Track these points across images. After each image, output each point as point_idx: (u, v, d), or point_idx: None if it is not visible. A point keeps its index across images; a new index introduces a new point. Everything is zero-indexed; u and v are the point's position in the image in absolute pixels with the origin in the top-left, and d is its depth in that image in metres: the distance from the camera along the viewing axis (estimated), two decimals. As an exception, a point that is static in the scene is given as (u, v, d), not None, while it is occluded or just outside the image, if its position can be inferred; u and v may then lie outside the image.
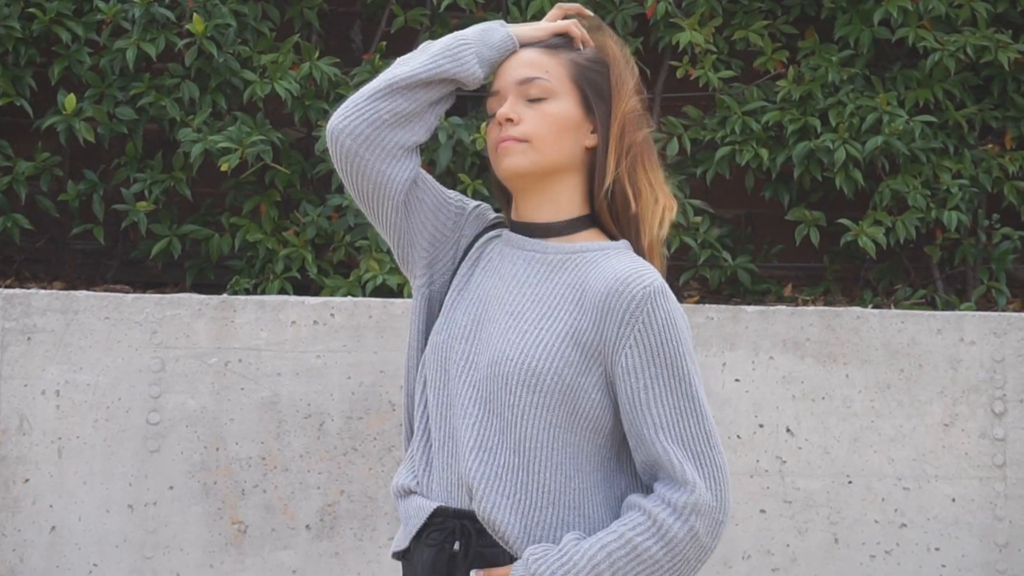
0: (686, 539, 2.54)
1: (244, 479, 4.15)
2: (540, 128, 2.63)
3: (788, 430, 4.24)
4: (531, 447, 2.60)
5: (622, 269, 2.58)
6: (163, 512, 4.14)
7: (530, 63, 2.65)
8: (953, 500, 4.23)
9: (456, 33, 2.71)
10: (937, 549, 4.22)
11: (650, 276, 2.57)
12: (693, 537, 2.54)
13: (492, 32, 2.71)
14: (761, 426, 4.23)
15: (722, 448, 2.59)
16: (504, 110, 2.64)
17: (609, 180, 2.66)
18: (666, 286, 2.58)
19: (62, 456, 4.14)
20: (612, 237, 2.68)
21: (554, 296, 2.63)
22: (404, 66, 2.69)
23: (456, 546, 2.63)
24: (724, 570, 4.19)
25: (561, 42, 2.69)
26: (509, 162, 2.64)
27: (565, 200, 2.67)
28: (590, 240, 2.65)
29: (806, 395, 4.24)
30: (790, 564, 4.20)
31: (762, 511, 4.21)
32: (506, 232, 2.73)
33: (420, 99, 2.68)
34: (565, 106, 2.64)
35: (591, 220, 2.67)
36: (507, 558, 2.60)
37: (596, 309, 2.58)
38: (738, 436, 4.22)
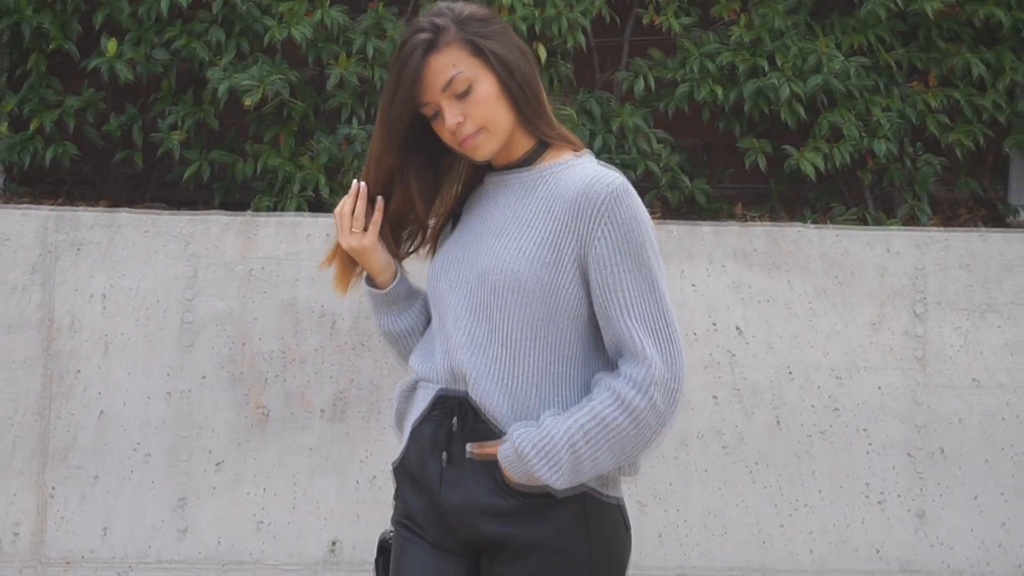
0: (647, 409, 2.57)
1: (266, 370, 4.18)
2: (485, 114, 2.63)
3: (738, 329, 4.27)
4: (516, 341, 2.63)
5: (588, 174, 2.61)
6: (196, 399, 4.17)
7: (441, 68, 2.62)
8: (879, 389, 4.27)
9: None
10: (865, 431, 4.26)
11: (614, 177, 2.60)
12: (652, 407, 2.57)
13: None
14: (714, 325, 4.26)
15: (678, 328, 2.61)
16: (450, 121, 2.62)
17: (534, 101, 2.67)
18: (629, 185, 2.60)
19: (108, 351, 4.17)
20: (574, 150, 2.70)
21: (530, 211, 2.65)
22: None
23: (454, 423, 2.66)
24: (682, 449, 4.22)
25: (434, 37, 2.64)
26: (480, 152, 2.66)
27: (521, 140, 2.69)
28: (555, 160, 2.68)
29: (753, 299, 4.27)
30: (738, 443, 4.24)
31: (714, 398, 4.24)
32: (486, 178, 2.75)
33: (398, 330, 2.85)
34: (486, 83, 2.63)
35: (543, 145, 2.69)
36: (497, 435, 2.63)
37: (569, 212, 2.60)
38: (694, 334, 4.24)
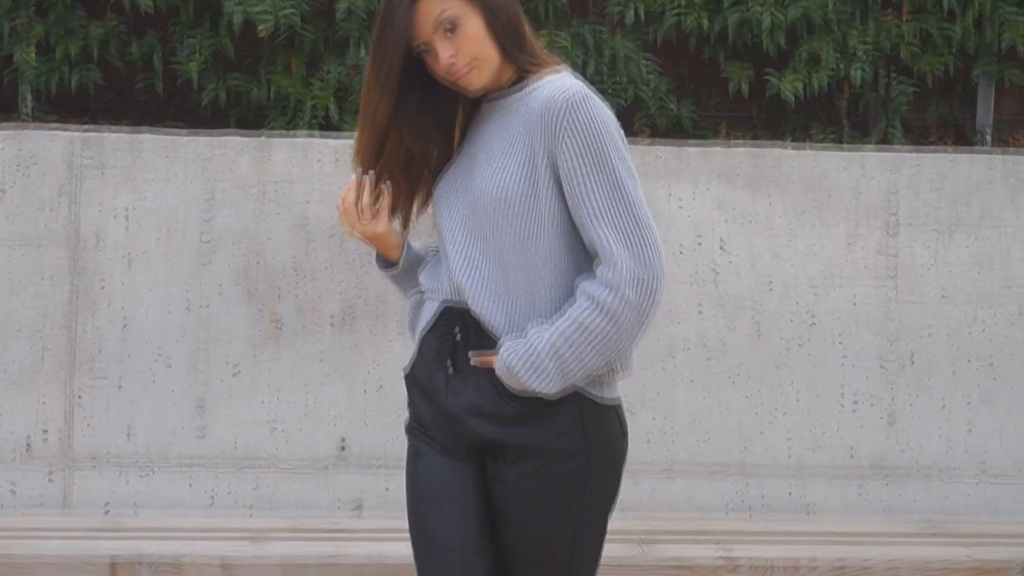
0: (622, 306, 2.56)
1: (280, 285, 4.20)
2: (474, 47, 2.63)
3: (721, 245, 4.28)
4: (507, 256, 2.64)
5: (551, 88, 2.60)
6: (214, 311, 4.20)
7: (430, 11, 2.62)
8: (854, 302, 4.29)
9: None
10: (840, 341, 4.29)
11: (571, 84, 2.59)
12: (627, 303, 2.57)
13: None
14: (699, 242, 4.28)
15: (650, 224, 2.59)
16: (444, 57, 2.62)
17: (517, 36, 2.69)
18: (588, 92, 2.59)
19: (131, 267, 4.20)
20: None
21: (512, 131, 2.66)
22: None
23: (457, 334, 2.68)
24: (668, 359, 4.26)
25: None
26: (474, 84, 2.66)
27: (508, 70, 2.69)
28: (536, 81, 2.67)
29: (736, 218, 4.29)
30: (721, 353, 4.27)
31: (699, 311, 4.27)
32: (481, 107, 2.76)
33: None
34: (473, 21, 2.63)
35: (527, 71, 2.69)
36: (496, 343, 2.64)
37: (538, 127, 2.60)
38: (680, 251, 4.27)
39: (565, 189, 2.60)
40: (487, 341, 2.66)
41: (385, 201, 2.78)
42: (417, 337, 2.78)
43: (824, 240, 4.29)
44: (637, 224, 2.57)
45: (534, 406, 2.64)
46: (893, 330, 4.29)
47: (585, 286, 2.60)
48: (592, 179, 2.57)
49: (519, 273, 2.65)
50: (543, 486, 2.67)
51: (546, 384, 2.61)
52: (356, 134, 2.74)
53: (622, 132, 2.63)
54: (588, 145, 2.57)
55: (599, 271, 2.59)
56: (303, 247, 4.20)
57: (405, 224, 2.83)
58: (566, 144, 2.57)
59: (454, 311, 2.70)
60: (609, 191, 2.58)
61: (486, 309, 2.65)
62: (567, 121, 2.56)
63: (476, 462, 2.73)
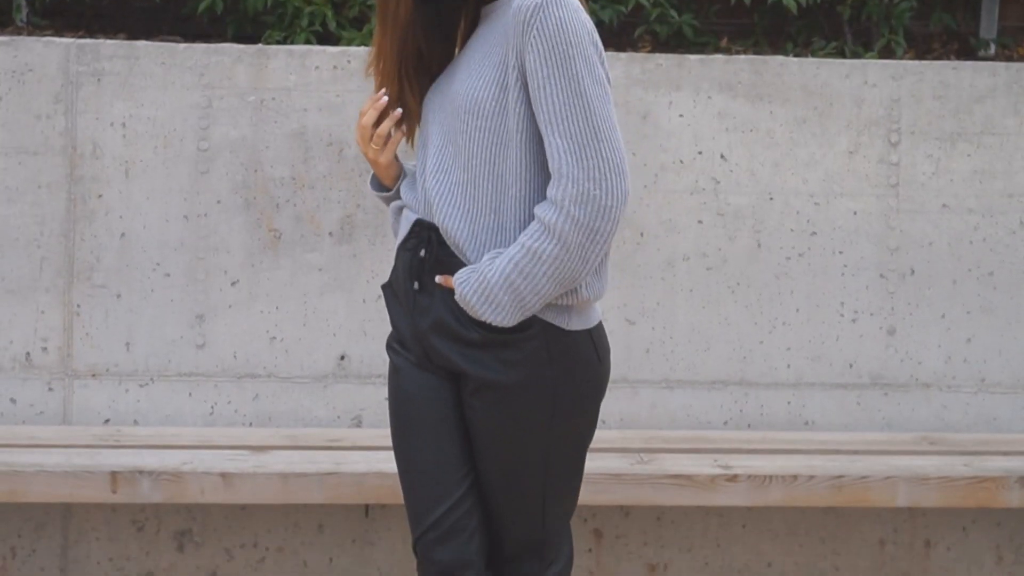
0: (569, 228, 2.47)
1: (278, 195, 4.17)
2: None
3: (722, 156, 4.24)
4: (475, 164, 2.58)
5: None
6: (212, 222, 4.16)
7: None
8: (855, 213, 4.26)
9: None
10: (841, 253, 4.26)
11: None
12: (574, 224, 2.47)
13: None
14: (700, 153, 4.24)
15: (614, 140, 2.48)
16: None
17: None
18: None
19: (128, 176, 4.15)
20: None
21: (492, 38, 2.61)
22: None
23: (423, 253, 2.64)
24: (668, 270, 4.23)
25: None
26: None
27: None
28: None
29: (737, 128, 4.24)
30: (721, 264, 4.24)
31: (700, 222, 4.24)
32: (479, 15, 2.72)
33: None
34: None
35: None
36: (461, 266, 2.60)
37: (511, 29, 2.53)
38: (681, 161, 4.22)
39: (531, 95, 2.51)
40: (451, 260, 2.61)
41: (397, 135, 2.73)
42: (395, 248, 2.75)
43: (825, 150, 4.24)
44: (596, 136, 2.47)
45: (497, 332, 2.58)
46: (894, 242, 4.26)
47: (537, 209, 2.52)
48: (553, 84, 2.47)
49: (487, 183, 2.58)
50: (508, 418, 2.62)
51: (501, 316, 2.54)
52: (373, 40, 2.68)
53: (599, 43, 2.54)
54: (553, 48, 2.47)
55: (549, 190, 2.51)
56: (301, 157, 4.15)
57: (410, 136, 2.78)
58: (532, 46, 2.48)
59: (424, 226, 2.65)
60: (568, 98, 2.47)
61: (450, 219, 2.59)
62: (536, 22, 2.48)
63: (455, 380, 2.69)
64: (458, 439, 2.68)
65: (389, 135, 2.74)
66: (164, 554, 4.15)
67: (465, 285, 2.55)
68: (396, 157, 2.81)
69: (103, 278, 4.14)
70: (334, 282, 4.16)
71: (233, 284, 4.16)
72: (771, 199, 4.23)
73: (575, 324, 2.62)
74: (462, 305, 2.57)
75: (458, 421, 2.69)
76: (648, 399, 4.21)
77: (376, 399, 4.16)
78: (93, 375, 4.14)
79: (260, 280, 4.16)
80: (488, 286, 2.53)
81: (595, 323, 2.68)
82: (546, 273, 2.51)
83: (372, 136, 2.73)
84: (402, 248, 2.70)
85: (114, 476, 3.70)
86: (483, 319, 2.56)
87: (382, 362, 4.13)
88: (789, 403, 4.24)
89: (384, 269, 4.11)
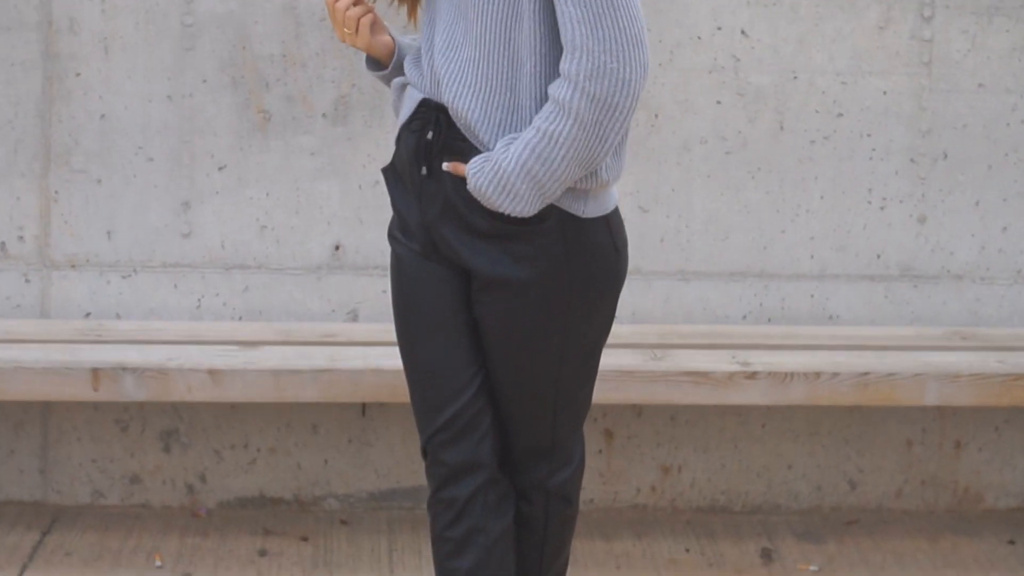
0: (584, 105, 2.41)
1: (268, 74, 4.04)
2: None
3: (743, 32, 4.11)
4: (488, 40, 2.49)
5: None
6: (198, 102, 4.04)
7: None
8: (884, 93, 4.14)
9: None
10: (869, 135, 4.15)
11: None
12: (590, 100, 2.40)
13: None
14: (719, 28, 4.10)
15: (633, 9, 2.40)
16: None
17: None
18: None
19: (108, 53, 4.02)
20: None
21: None
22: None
23: (430, 135, 2.56)
24: (684, 154, 4.13)
25: None
26: None
27: None
28: None
29: (759, 1, 4.10)
30: (741, 148, 4.13)
31: (718, 102, 4.12)
32: None
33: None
34: None
35: None
36: (473, 152, 2.53)
37: None
38: (699, 37, 4.09)
39: None
40: (461, 143, 2.54)
41: (367, 18, 2.64)
42: (397, 129, 2.65)
43: (853, 25, 4.10)
44: (612, 8, 2.38)
45: (511, 222, 2.51)
46: (926, 123, 4.14)
47: (551, 87, 2.44)
48: None
49: (500, 59, 2.49)
50: (520, 316, 2.56)
51: (520, 206, 2.47)
52: None
53: None
54: None
55: (561, 64, 2.42)
56: (292, 32, 4.02)
57: (412, 14, 2.69)
58: None
59: (431, 106, 2.57)
60: None
61: (461, 97, 2.51)
62: None
63: (462, 271, 2.62)
64: (467, 333, 2.63)
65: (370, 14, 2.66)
66: (149, 455, 4.09)
67: (479, 175, 2.48)
68: (388, 32, 2.71)
69: (82, 162, 4.03)
70: (328, 167, 4.06)
71: (220, 169, 4.06)
72: (795, 78, 4.12)
73: (591, 210, 2.56)
74: (477, 197, 2.50)
75: (467, 314, 2.63)
76: (662, 292, 4.13)
77: (373, 291, 4.07)
78: (72, 266, 4.06)
79: (249, 165, 4.05)
80: (504, 175, 2.46)
81: (612, 208, 2.60)
82: (564, 156, 2.44)
83: (342, 21, 2.65)
84: (405, 129, 2.62)
85: (95, 373, 3.64)
86: (501, 210, 2.49)
87: (379, 252, 4.05)
88: (812, 296, 4.16)
89: (381, 153, 4.03)
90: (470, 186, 2.49)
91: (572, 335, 2.60)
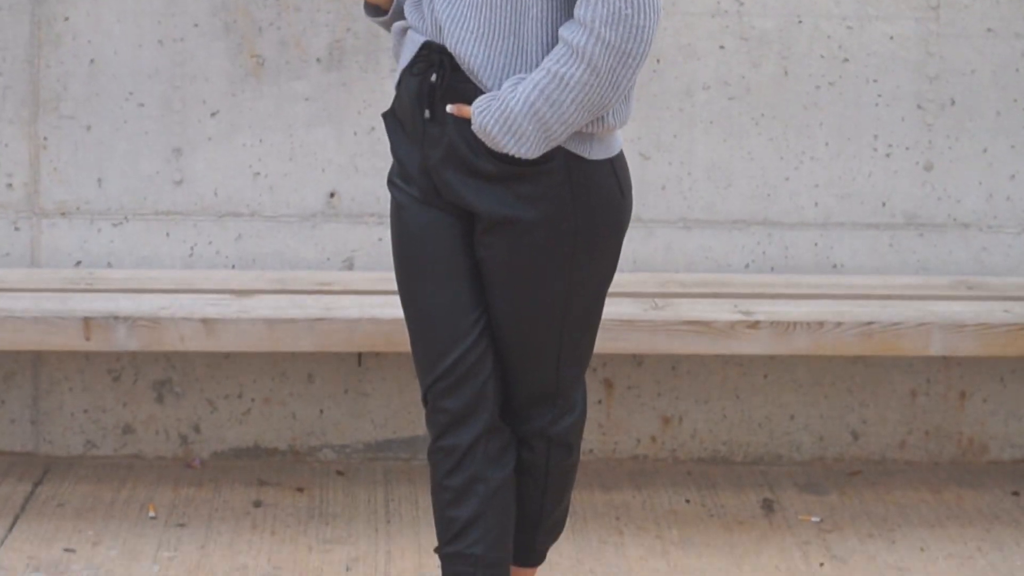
0: (602, 53, 2.39)
1: (261, 17, 3.98)
2: None
3: (746, -26, 4.08)
4: None
5: None
6: (189, 47, 3.99)
7: None
8: (891, 38, 4.08)
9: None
10: (875, 81, 4.09)
11: None
12: (604, 46, 2.39)
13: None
14: (722, -29, 4.08)
15: None
16: None
17: None
18: None
19: (98, -3, 3.98)
20: None
21: None
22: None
23: (434, 78, 2.54)
24: (686, 99, 4.08)
25: None
26: None
27: None
28: None
29: (763, -57, 4.06)
30: (744, 94, 4.08)
31: (721, 47, 4.07)
32: None
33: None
34: None
35: None
36: (477, 94, 2.51)
37: None
38: (701, -20, 4.07)
39: None
40: (465, 86, 2.52)
41: None
42: (397, 73, 2.63)
43: (859, -32, 4.04)
44: None
45: (516, 164, 2.49)
46: (933, 69, 4.09)
47: (562, 30, 2.42)
48: None
49: (505, 3, 2.47)
50: (525, 258, 2.55)
51: (525, 147, 2.46)
52: None
53: None
54: None
55: (575, 8, 2.41)
56: (286, -25, 3.97)
57: None
58: None
59: (433, 48, 2.54)
60: None
61: (464, 42, 2.49)
62: None
63: (464, 216, 2.61)
64: (469, 279, 2.62)
65: None
66: (142, 405, 4.07)
67: (485, 114, 2.46)
68: None
69: (71, 108, 3.98)
70: (322, 113, 4.02)
71: (213, 115, 4.01)
72: (799, 22, 4.07)
73: (596, 153, 2.55)
74: (481, 136, 2.48)
75: (469, 260, 2.62)
76: (664, 240, 4.10)
77: (369, 240, 4.04)
78: (62, 214, 4.02)
79: (242, 111, 4.01)
80: (511, 114, 2.44)
81: (617, 151, 2.60)
82: (574, 100, 2.42)
83: None
84: (407, 73, 2.60)
85: (87, 322, 3.61)
86: (505, 151, 2.47)
87: (375, 200, 4.02)
88: (816, 244, 4.13)
89: (377, 99, 3.99)
90: (475, 125, 2.47)
91: (576, 277, 2.59)
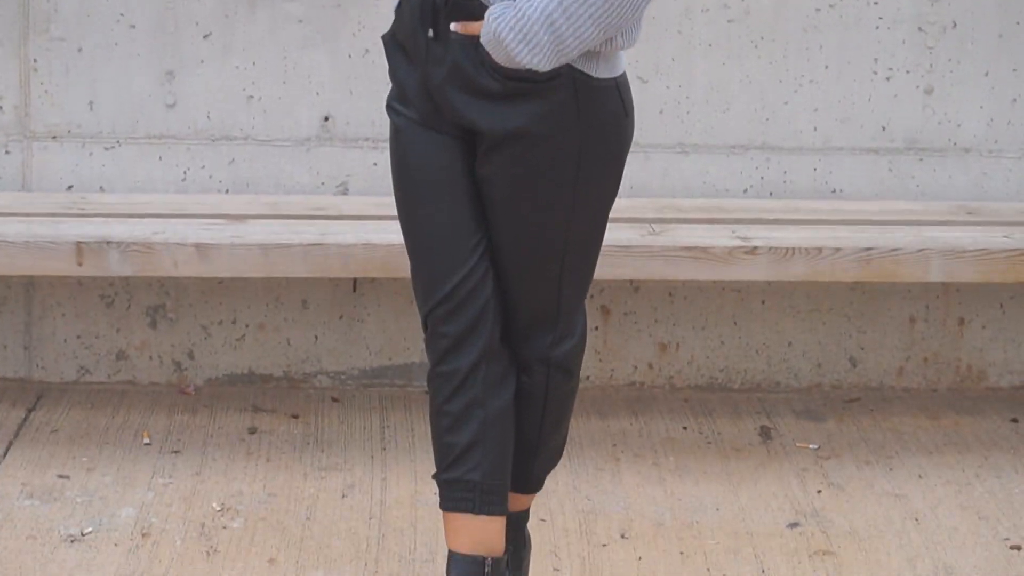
0: None
1: (253, -63, 3.98)
2: None
3: None
4: None
5: None
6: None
7: None
8: (892, -41, 4.07)
9: None
10: (875, 3, 4.06)
11: None
12: None
13: None
14: None
15: None
16: None
17: None
18: None
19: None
20: None
21: None
22: None
23: None
24: (685, 22, 4.04)
25: None
26: None
27: None
28: None
29: None
30: (744, 16, 4.05)
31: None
32: None
33: None
34: None
35: None
36: (483, 10, 2.49)
37: None
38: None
39: None
40: (470, 2, 2.51)
41: None
42: None
43: None
44: None
45: (521, 81, 2.49)
46: (936, -8, 4.07)
47: None
48: None
49: None
50: (531, 175, 2.56)
51: (538, 58, 2.44)
52: None
53: None
54: None
55: None
56: None
57: None
58: None
59: None
60: None
61: None
62: None
63: (464, 138, 2.60)
64: (470, 202, 2.63)
65: None
66: (135, 331, 4.06)
67: (500, 20, 2.45)
68: None
69: (62, 30, 3.95)
70: (317, 35, 3.99)
71: (205, 37, 3.98)
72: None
73: (602, 71, 2.55)
74: (492, 48, 2.47)
75: (470, 183, 2.62)
76: (661, 165, 4.09)
77: (364, 164, 4.03)
78: (53, 137, 4.00)
79: (235, 32, 3.98)
80: (527, 21, 2.43)
81: (621, 71, 2.60)
82: (592, 16, 2.42)
83: None
84: None
85: (79, 247, 3.60)
86: (516, 59, 2.45)
87: (370, 123, 4.00)
88: (815, 169, 4.12)
89: (372, 21, 3.97)
90: (486, 34, 2.46)
91: (580, 196, 2.59)
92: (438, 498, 2.73)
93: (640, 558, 3.26)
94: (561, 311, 2.71)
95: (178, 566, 3.17)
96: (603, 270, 3.52)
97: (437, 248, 2.62)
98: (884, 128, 4.12)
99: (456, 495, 2.67)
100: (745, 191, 4.11)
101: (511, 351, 2.72)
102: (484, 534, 2.67)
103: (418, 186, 2.64)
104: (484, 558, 2.68)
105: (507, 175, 2.57)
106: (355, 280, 4.04)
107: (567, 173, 2.56)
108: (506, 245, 2.63)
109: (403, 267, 2.72)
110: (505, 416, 2.68)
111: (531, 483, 2.89)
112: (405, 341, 4.08)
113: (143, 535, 3.30)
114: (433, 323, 2.65)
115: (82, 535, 3.29)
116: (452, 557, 2.69)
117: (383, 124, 3.83)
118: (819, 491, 3.59)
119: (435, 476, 2.72)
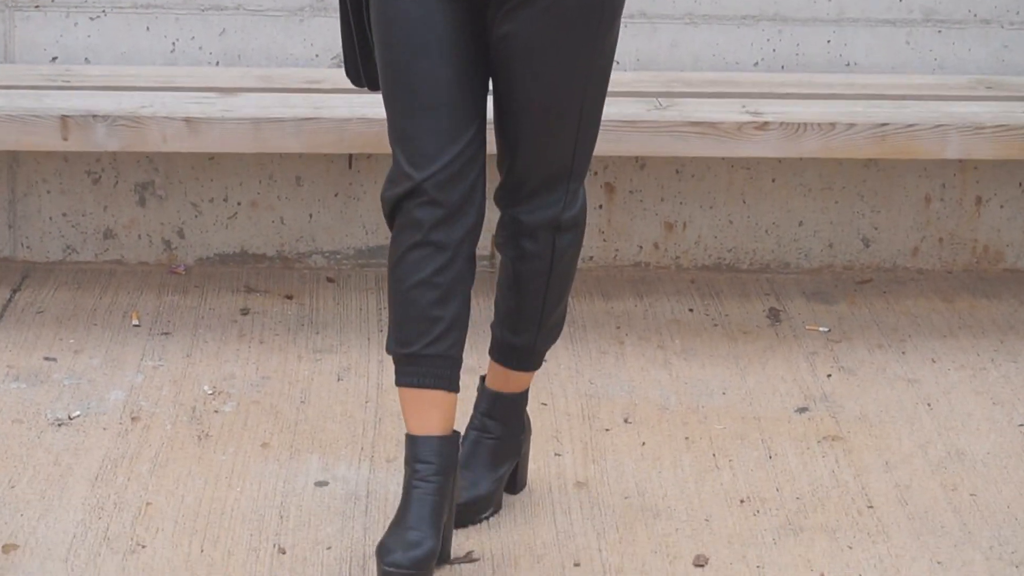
0: None
1: None
2: None
3: None
4: None
5: None
6: None
7: None
8: None
9: None
10: None
11: None
12: None
13: None
14: None
15: None
16: None
17: None
18: None
19: None
20: None
21: None
22: None
23: None
24: None
25: None
26: None
27: None
28: None
29: None
30: None
31: None
32: None
33: None
34: None
35: None
36: None
37: None
38: None
39: None
40: None
41: None
42: None
43: None
44: None
45: None
46: None
47: None
48: None
49: None
50: (560, 24, 2.58)
51: None
52: None
53: None
54: None
55: None
56: None
57: None
58: None
59: None
60: None
61: None
62: None
63: (469, 3, 2.60)
64: (473, 62, 2.64)
65: None
66: (124, 209, 4.04)
67: None
68: None
69: None
70: (310, -102, 3.93)
71: (194, -100, 3.94)
72: None
73: None
74: None
75: (468, 45, 2.63)
76: (668, 36, 4.06)
77: (359, 35, 3.99)
78: (36, 6, 3.95)
79: None
80: None
81: None
82: None
83: None
84: None
85: (64, 121, 3.58)
86: None
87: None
88: (829, 41, 4.09)
89: None
90: None
91: (598, 48, 2.63)
92: (401, 375, 2.68)
93: (644, 443, 3.26)
94: (574, 169, 2.74)
95: (168, 451, 3.17)
96: (608, 145, 3.53)
97: (441, 108, 2.61)
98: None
99: (439, 372, 2.67)
100: (756, 64, 4.09)
101: (517, 217, 2.74)
102: (452, 411, 2.69)
103: (416, 48, 2.60)
104: (456, 434, 2.71)
105: (535, 28, 2.58)
106: (351, 156, 4.02)
107: (593, 21, 2.59)
108: (526, 104, 2.64)
109: (399, 142, 2.68)
110: (469, 302, 2.70)
111: (533, 359, 2.89)
112: (402, 219, 4.05)
113: (132, 419, 3.29)
114: (431, 189, 2.62)
115: (69, 419, 3.28)
116: (424, 441, 2.66)
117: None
118: (829, 375, 3.59)
119: (407, 351, 2.67)
